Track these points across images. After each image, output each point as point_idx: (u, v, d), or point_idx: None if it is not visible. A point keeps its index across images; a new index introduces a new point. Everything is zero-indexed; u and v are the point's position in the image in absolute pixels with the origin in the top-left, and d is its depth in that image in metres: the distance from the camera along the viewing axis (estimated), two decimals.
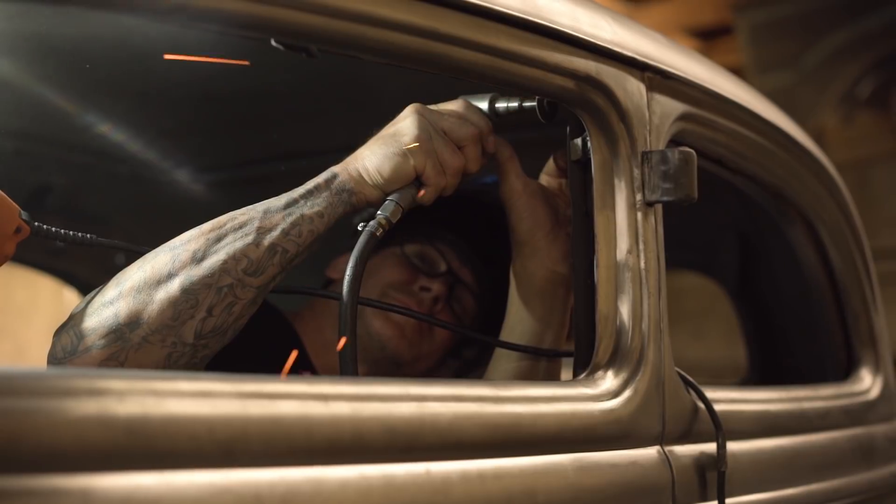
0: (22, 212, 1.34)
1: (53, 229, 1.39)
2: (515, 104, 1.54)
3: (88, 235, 1.43)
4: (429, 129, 1.46)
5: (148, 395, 0.97)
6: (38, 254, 2.63)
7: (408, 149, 1.44)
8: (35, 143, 2.26)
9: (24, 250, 2.61)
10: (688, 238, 2.59)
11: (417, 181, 1.47)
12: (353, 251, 1.39)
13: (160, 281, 1.34)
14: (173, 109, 2.14)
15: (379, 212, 1.44)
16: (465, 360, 1.96)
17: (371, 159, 1.45)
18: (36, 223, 1.37)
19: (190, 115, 2.18)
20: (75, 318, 1.36)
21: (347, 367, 1.32)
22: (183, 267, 1.35)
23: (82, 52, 1.84)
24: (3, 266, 3.06)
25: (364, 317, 1.76)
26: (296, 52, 1.24)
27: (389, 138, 1.46)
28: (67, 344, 1.33)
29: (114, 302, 1.34)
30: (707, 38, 8.42)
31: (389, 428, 1.14)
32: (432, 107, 1.51)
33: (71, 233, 1.41)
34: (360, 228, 1.42)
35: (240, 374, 1.06)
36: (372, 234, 1.41)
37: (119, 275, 1.38)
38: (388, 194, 1.46)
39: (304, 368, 1.78)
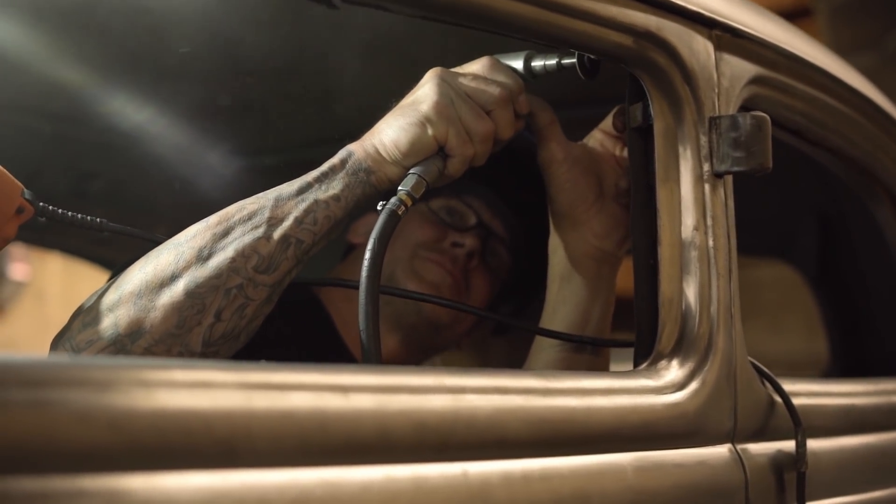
0: (25, 191, 1.24)
1: (60, 211, 1.28)
2: (553, 62, 1.40)
3: (98, 220, 1.31)
4: (449, 94, 1.31)
5: (135, 387, 0.85)
6: (80, 242, 2.56)
7: (426, 117, 1.30)
8: (73, 126, 2.17)
9: (67, 238, 2.56)
10: (762, 220, 2.44)
11: (442, 152, 1.33)
12: (372, 231, 1.26)
13: (163, 284, 1.23)
14: (216, 89, 2.05)
15: (400, 187, 1.30)
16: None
17: (388, 133, 1.32)
18: (41, 203, 1.25)
19: (233, 94, 2.08)
20: (73, 328, 1.25)
21: (370, 360, 1.20)
22: (187, 267, 1.23)
23: (113, 30, 1.76)
24: (58, 256, 2.97)
25: (397, 280, 1.68)
26: (317, 2, 1.12)
27: (407, 108, 1.33)
28: None
29: (113, 308, 1.23)
30: (786, 20, 8.19)
31: (420, 423, 1.02)
32: (456, 69, 1.38)
33: (80, 216, 1.30)
34: (379, 208, 1.29)
35: (244, 361, 0.94)
36: (393, 213, 1.27)
37: (121, 275, 1.27)
38: (409, 169, 1.33)
39: (332, 340, 1.68)
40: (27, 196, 1.23)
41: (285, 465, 0.91)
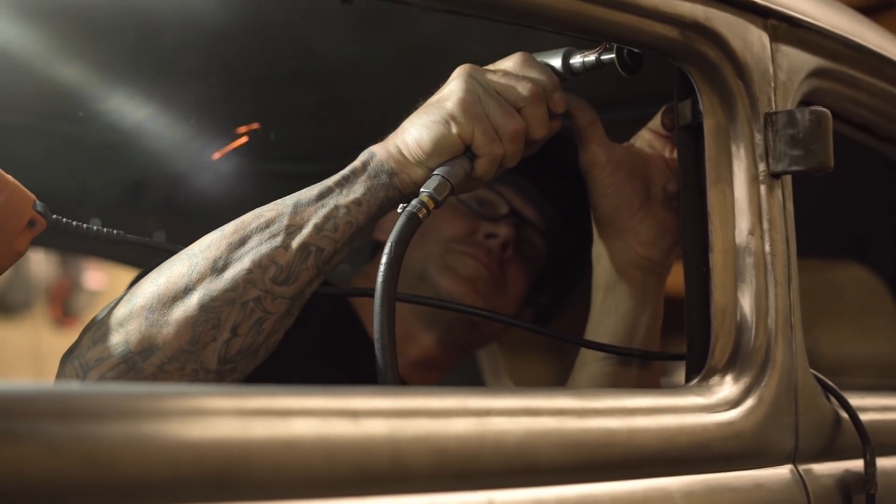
0: (38, 202, 1.18)
1: (74, 223, 1.21)
2: (592, 58, 1.32)
3: (116, 231, 1.25)
4: (477, 91, 1.23)
5: (116, 416, 0.78)
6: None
7: (451, 114, 1.22)
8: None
9: (125, 251, 2.53)
10: (838, 221, 2.33)
11: (469, 152, 1.25)
12: (390, 236, 1.18)
13: (176, 297, 1.16)
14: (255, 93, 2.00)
15: (422, 189, 1.22)
16: (539, 307, 1.81)
17: (411, 132, 1.24)
18: (54, 216, 1.19)
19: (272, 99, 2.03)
20: (82, 344, 1.19)
21: (386, 377, 1.12)
22: (202, 279, 1.16)
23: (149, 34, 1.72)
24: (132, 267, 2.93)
25: (430, 277, 1.63)
26: None
27: (432, 106, 1.25)
28: (73, 377, 1.17)
29: (124, 324, 1.16)
30: (869, 15, 7.97)
31: (440, 450, 0.94)
32: (487, 66, 1.30)
33: (94, 227, 1.23)
34: (399, 210, 1.21)
35: (241, 385, 0.87)
36: (413, 216, 1.19)
37: (133, 288, 1.21)
38: (433, 170, 1.25)
39: (358, 338, 1.62)
40: (39, 208, 1.18)
41: (288, 497, 0.84)
